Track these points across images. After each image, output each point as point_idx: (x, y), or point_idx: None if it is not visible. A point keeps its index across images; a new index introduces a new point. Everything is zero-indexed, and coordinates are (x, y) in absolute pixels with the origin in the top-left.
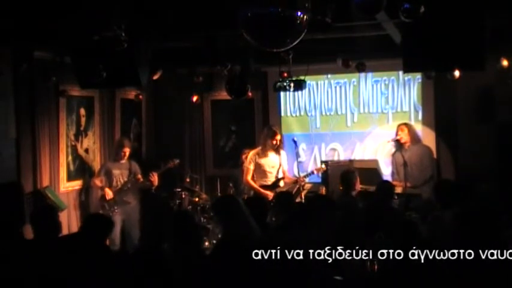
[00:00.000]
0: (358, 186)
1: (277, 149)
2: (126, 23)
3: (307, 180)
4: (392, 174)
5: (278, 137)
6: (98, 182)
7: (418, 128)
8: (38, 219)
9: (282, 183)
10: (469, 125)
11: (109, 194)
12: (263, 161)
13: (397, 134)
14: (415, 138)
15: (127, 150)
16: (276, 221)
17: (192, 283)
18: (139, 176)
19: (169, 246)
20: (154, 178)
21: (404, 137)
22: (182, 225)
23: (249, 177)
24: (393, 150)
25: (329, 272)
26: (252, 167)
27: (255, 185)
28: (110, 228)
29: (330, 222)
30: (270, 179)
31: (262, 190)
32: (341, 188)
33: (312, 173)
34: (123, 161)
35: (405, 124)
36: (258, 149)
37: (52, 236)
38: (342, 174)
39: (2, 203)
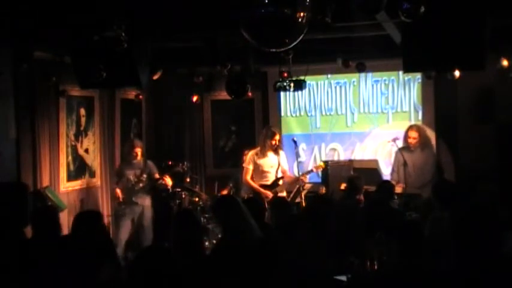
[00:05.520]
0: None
1: (276, 149)
2: (126, 23)
3: (307, 177)
4: (392, 171)
5: (277, 137)
6: (119, 191)
7: None
8: (38, 219)
9: (281, 182)
10: (469, 125)
11: (119, 195)
12: (262, 162)
13: (407, 136)
14: (426, 144)
15: (138, 150)
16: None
17: (191, 283)
18: (157, 175)
19: (170, 246)
20: (166, 180)
21: (413, 141)
22: (184, 224)
23: (249, 177)
24: (394, 149)
25: (330, 272)
26: (251, 167)
27: (255, 185)
28: (99, 224)
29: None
30: (269, 179)
31: (262, 190)
32: (345, 189)
33: (312, 171)
34: (135, 161)
35: (417, 128)
36: (257, 149)
37: (52, 236)
38: (350, 177)
39: (5, 203)
